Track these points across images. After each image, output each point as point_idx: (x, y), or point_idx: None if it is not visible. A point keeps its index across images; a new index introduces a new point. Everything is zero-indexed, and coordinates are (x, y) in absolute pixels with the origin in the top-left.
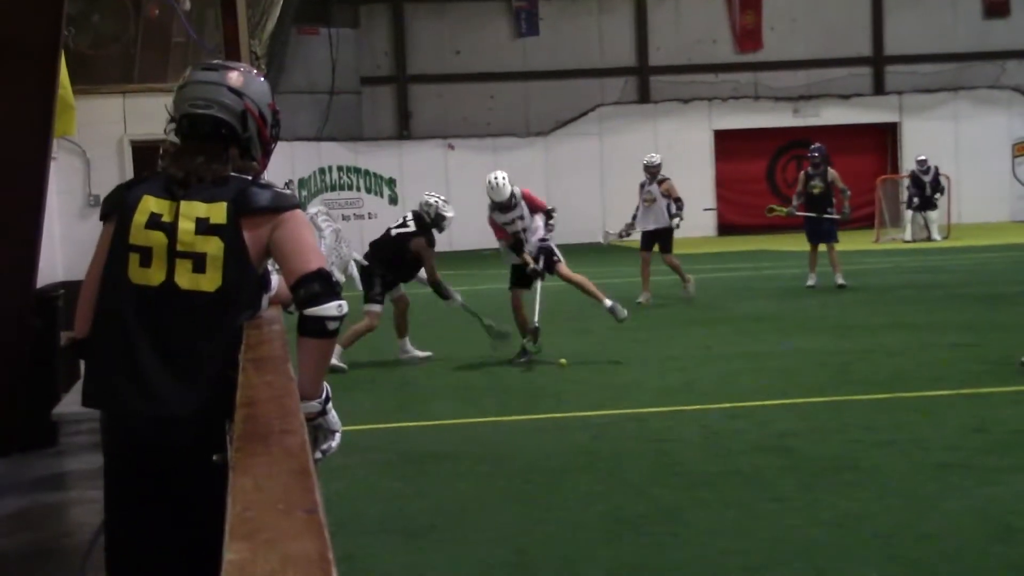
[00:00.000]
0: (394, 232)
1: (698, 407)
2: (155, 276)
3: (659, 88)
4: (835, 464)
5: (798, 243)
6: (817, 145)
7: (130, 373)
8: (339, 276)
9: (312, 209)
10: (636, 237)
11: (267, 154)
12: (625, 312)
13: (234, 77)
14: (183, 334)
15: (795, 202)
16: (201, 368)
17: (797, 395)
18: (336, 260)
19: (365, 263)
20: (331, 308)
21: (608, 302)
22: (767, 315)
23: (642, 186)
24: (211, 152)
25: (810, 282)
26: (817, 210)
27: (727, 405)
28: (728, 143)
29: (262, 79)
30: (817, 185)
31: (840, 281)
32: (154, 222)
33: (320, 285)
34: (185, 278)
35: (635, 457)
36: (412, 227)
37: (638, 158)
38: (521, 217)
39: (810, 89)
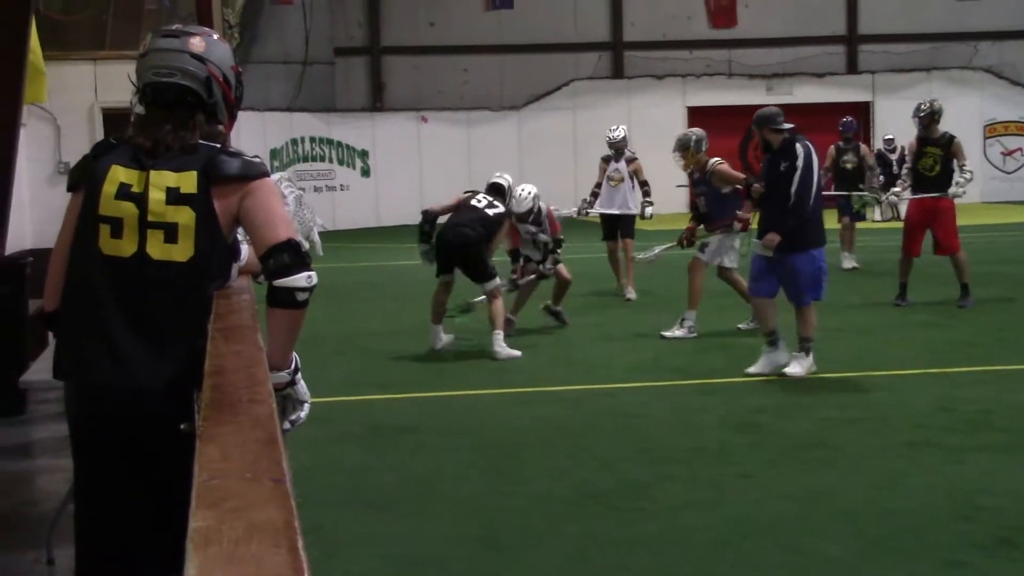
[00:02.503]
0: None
1: (667, 383)
2: (126, 247)
3: (633, 64)
4: (804, 441)
5: None
6: (848, 119)
7: (102, 344)
8: (305, 244)
9: (275, 176)
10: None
11: (233, 117)
12: (568, 320)
13: (196, 43)
14: (155, 305)
15: (822, 179)
16: (172, 338)
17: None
18: (299, 227)
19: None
20: (300, 279)
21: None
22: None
23: (606, 161)
24: (177, 120)
25: (848, 263)
26: (849, 186)
27: (697, 382)
28: (701, 120)
29: (223, 42)
30: (851, 160)
31: (851, 263)
32: (124, 192)
33: (290, 256)
34: (157, 248)
35: (604, 432)
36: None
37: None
38: (543, 231)
39: (784, 67)
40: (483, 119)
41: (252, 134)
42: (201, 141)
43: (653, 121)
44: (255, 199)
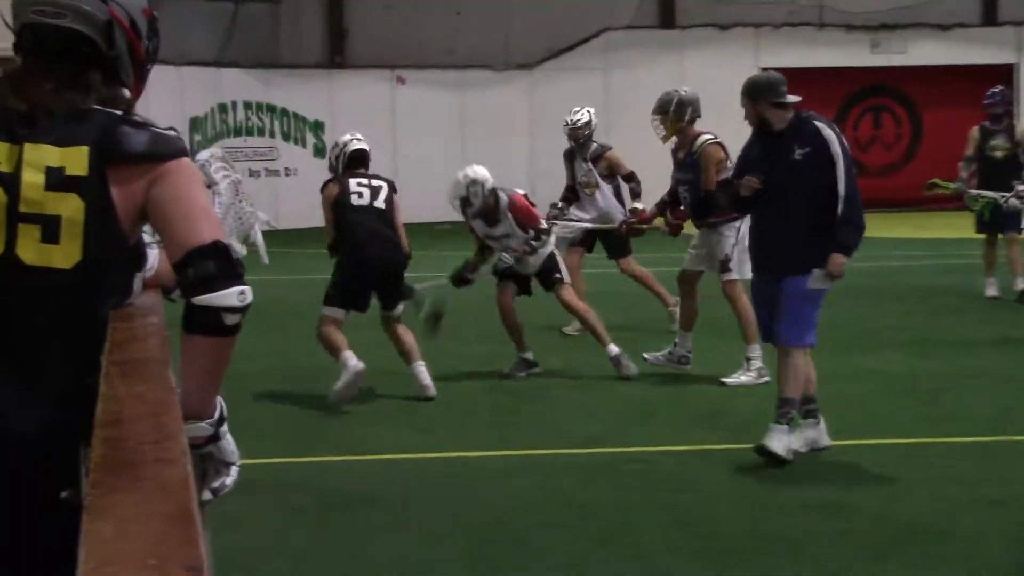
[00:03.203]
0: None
1: (726, 446)
2: None
3: (688, 9)
4: (915, 529)
5: (872, 226)
6: (998, 90)
7: None
8: (238, 248)
9: (203, 155)
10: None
11: (141, 78)
12: (635, 369)
13: None
14: (27, 326)
15: (963, 172)
16: (50, 372)
17: (863, 434)
18: (234, 224)
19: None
20: (230, 296)
21: (614, 349)
22: (825, 323)
23: (569, 159)
24: (63, 77)
25: (990, 291)
26: (998, 183)
27: None
28: None
29: None
30: (1000, 147)
31: (994, 291)
32: None
33: (216, 264)
34: (31, 250)
35: (638, 512)
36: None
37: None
38: (508, 235)
39: (896, 16)
40: (481, 81)
41: (165, 97)
42: (96, 107)
43: (715, 86)
44: (169, 186)
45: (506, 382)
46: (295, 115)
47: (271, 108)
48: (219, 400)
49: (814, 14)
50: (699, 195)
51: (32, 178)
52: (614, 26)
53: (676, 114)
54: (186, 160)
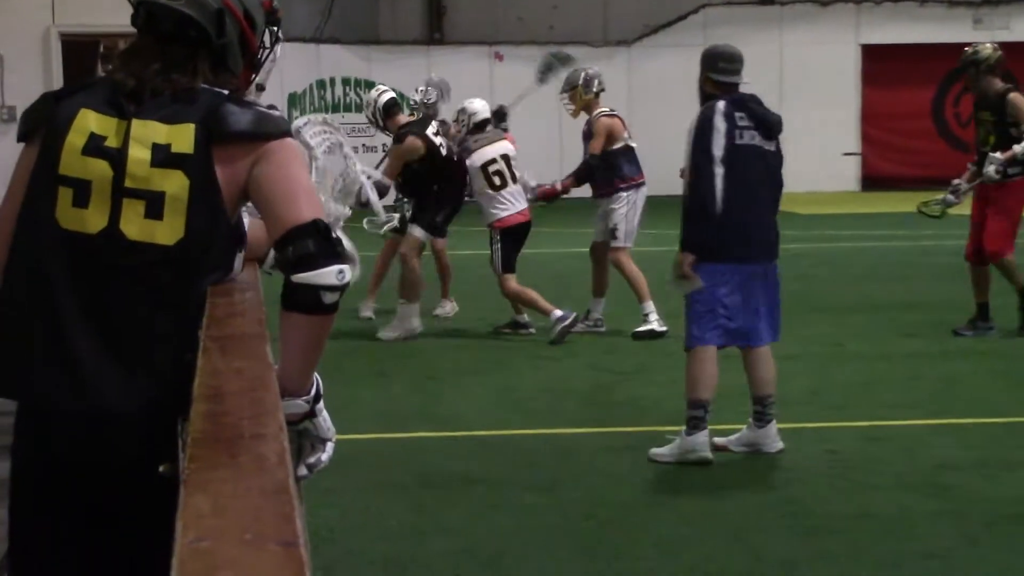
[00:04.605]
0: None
1: (823, 424)
2: (93, 220)
3: None
4: (1013, 511)
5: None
6: None
7: (54, 353)
8: (339, 209)
9: (299, 121)
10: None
11: (253, 67)
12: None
13: None
14: (128, 301)
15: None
16: (151, 348)
17: (962, 413)
18: (340, 188)
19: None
20: (329, 274)
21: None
22: (923, 302)
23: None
24: (171, 58)
25: None
26: None
27: (863, 424)
28: (881, 64)
29: None
30: None
31: None
32: (95, 147)
33: (315, 243)
34: (135, 225)
35: (734, 490)
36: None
37: (757, 78)
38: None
39: None
40: (581, 57)
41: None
42: (203, 86)
43: (815, 63)
44: (271, 166)
45: (606, 357)
46: (394, 91)
47: (370, 84)
48: (316, 377)
49: None
50: (584, 163)
51: (139, 154)
52: (713, 2)
53: (585, 88)
54: (289, 140)
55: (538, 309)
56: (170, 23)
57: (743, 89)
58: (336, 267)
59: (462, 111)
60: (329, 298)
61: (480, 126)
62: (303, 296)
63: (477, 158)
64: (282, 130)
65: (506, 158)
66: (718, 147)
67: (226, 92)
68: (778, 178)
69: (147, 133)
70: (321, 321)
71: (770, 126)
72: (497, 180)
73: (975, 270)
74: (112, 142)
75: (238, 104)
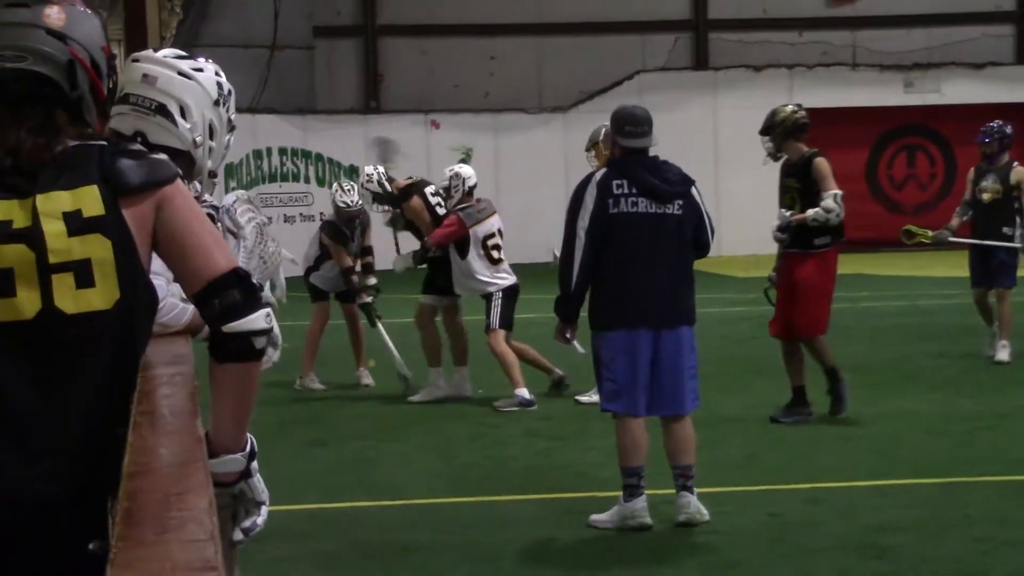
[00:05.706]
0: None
1: (763, 487)
2: (26, 305)
3: (721, 50)
4: (952, 571)
5: (911, 264)
6: (994, 124)
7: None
8: (269, 296)
9: (228, 199)
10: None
11: (104, 116)
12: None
13: (54, 14)
14: (73, 377)
15: (955, 220)
16: (88, 427)
17: (900, 474)
18: (259, 267)
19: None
20: (258, 319)
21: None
22: (860, 364)
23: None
24: (31, 122)
25: (995, 353)
26: (988, 231)
27: (803, 486)
28: (815, 127)
29: (90, 14)
30: (990, 187)
31: (1000, 356)
32: (5, 233)
33: (240, 292)
34: (69, 298)
35: (676, 554)
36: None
37: (692, 143)
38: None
39: (929, 55)
40: (516, 124)
41: None
42: (83, 144)
43: (749, 127)
44: (174, 211)
45: (544, 423)
46: (330, 160)
47: (307, 154)
48: (249, 436)
49: (847, 54)
50: None
51: (53, 227)
52: (647, 68)
53: (605, 144)
54: (179, 183)
55: (510, 377)
56: (22, 85)
57: (653, 151)
58: (263, 311)
59: (455, 176)
60: (260, 343)
61: (471, 191)
62: (235, 345)
63: (481, 229)
64: (173, 172)
65: (500, 232)
66: (583, 220)
67: (104, 143)
68: (686, 241)
69: (53, 205)
70: (252, 369)
71: (657, 194)
72: (495, 254)
73: (786, 349)
74: (20, 223)
75: (122, 153)
